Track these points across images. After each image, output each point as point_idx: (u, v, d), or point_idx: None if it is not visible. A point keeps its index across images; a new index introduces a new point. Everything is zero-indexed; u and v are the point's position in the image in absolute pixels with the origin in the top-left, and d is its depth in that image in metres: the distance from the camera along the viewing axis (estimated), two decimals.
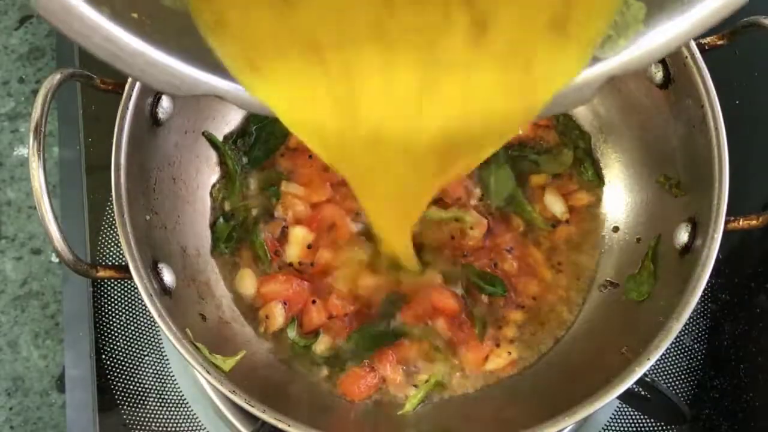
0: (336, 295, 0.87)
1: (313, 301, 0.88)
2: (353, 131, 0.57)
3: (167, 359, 0.97)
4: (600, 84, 0.58)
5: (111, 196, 0.76)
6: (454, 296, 0.87)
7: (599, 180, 0.94)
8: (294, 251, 0.90)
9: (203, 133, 0.91)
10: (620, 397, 0.76)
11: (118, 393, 0.94)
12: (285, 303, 0.88)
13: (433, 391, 0.85)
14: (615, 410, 0.95)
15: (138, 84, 0.79)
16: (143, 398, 0.95)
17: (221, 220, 0.91)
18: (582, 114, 0.95)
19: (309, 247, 0.90)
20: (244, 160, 0.93)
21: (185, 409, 0.95)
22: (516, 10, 0.53)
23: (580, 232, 0.92)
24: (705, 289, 0.75)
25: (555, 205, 0.92)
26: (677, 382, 0.96)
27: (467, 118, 0.57)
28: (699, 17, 0.54)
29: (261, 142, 0.93)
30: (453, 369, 0.86)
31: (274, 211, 0.92)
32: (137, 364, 0.96)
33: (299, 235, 0.89)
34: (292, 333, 0.87)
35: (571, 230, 0.92)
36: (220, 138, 0.93)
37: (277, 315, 0.87)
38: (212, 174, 0.93)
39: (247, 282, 0.89)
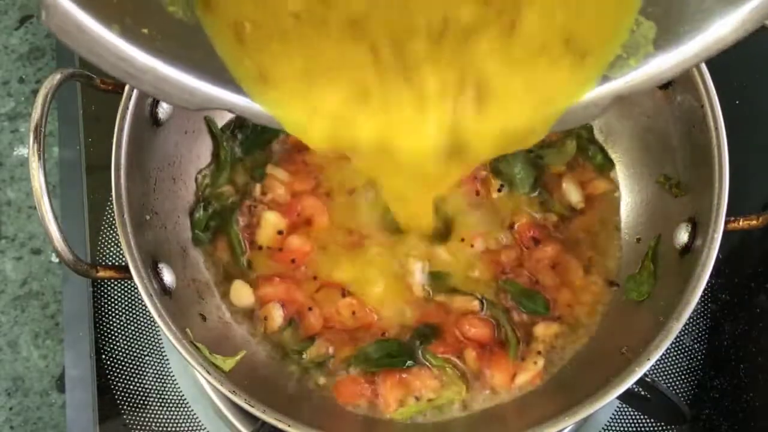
0: (339, 308, 0.87)
1: (309, 308, 0.87)
2: (369, 142, 0.58)
3: (167, 359, 0.96)
4: (608, 103, 0.57)
5: (111, 196, 0.76)
6: (487, 323, 0.86)
7: (609, 162, 0.93)
8: (265, 235, 0.89)
9: (205, 118, 0.91)
10: (620, 397, 0.76)
11: (118, 393, 0.94)
12: (283, 304, 0.88)
13: (434, 410, 0.84)
14: (615, 410, 0.95)
15: None
16: (143, 398, 0.95)
17: (201, 210, 0.89)
18: None
19: (280, 233, 0.89)
20: (238, 151, 0.93)
21: (185, 409, 0.95)
22: (530, 29, 0.53)
23: (597, 222, 0.91)
24: (705, 289, 0.75)
25: (572, 193, 0.92)
26: (677, 382, 0.96)
27: (480, 131, 0.57)
28: (709, 41, 0.54)
29: (257, 132, 0.93)
30: (476, 392, 0.85)
31: (254, 192, 0.91)
32: (137, 364, 0.96)
33: (271, 220, 0.89)
34: (287, 335, 0.87)
35: (587, 220, 0.91)
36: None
37: (276, 316, 0.87)
38: None
39: (242, 292, 0.88)
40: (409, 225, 0.82)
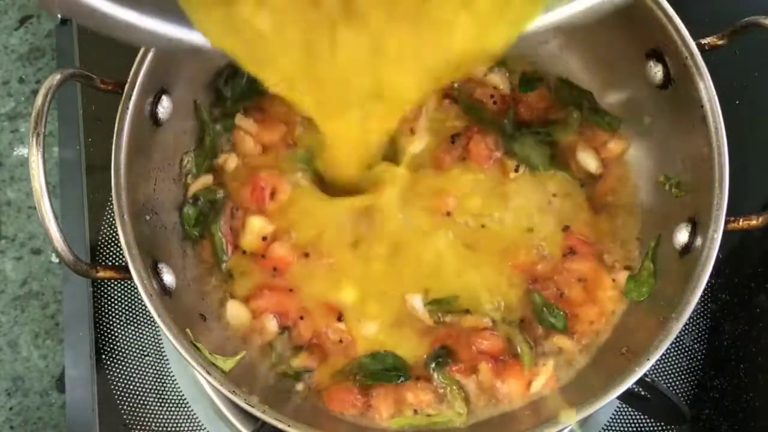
0: (329, 329, 0.85)
1: (301, 317, 0.85)
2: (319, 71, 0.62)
3: (167, 359, 0.96)
4: (549, 32, 0.66)
5: (111, 196, 0.76)
6: (498, 337, 0.84)
7: (616, 120, 0.91)
8: (249, 241, 0.87)
9: (195, 102, 0.88)
10: (620, 397, 0.76)
11: (118, 393, 0.94)
12: (276, 315, 0.85)
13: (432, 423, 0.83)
14: (615, 410, 0.95)
15: (138, 84, 0.79)
16: (143, 398, 0.95)
17: (190, 206, 0.87)
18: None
19: (264, 239, 0.87)
20: (220, 129, 0.90)
21: (185, 409, 0.95)
22: None
23: (617, 183, 0.90)
24: (705, 289, 0.75)
25: (589, 161, 0.90)
26: (677, 382, 0.96)
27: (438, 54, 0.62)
28: None
29: (249, 80, 0.89)
30: (488, 405, 0.83)
31: (223, 148, 0.89)
32: (137, 364, 0.96)
33: (256, 226, 0.87)
34: (278, 344, 0.84)
35: (608, 185, 0.90)
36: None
37: (270, 327, 0.84)
38: None
39: (237, 311, 0.85)
40: (347, 167, 0.80)
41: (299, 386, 0.84)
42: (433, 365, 0.84)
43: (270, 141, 0.90)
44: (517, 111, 0.92)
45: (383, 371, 0.84)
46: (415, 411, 0.82)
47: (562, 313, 0.85)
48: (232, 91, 0.90)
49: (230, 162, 0.89)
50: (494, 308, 0.86)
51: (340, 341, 0.85)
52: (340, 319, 0.85)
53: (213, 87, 0.90)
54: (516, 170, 0.91)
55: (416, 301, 0.85)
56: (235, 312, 0.85)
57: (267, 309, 0.85)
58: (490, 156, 0.91)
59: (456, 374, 0.83)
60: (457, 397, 0.82)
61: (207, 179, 0.89)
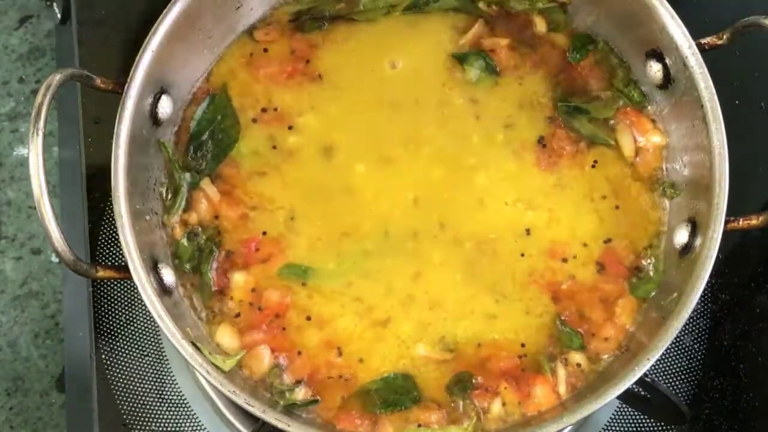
0: (329, 363, 0.82)
1: (299, 353, 0.81)
2: None
3: (167, 359, 0.96)
4: None
5: (111, 196, 0.76)
6: (514, 357, 0.82)
7: (644, 97, 0.89)
8: (238, 297, 0.83)
9: (158, 141, 0.85)
10: (620, 397, 0.76)
11: (118, 393, 0.94)
12: (271, 348, 0.81)
13: None
14: (615, 410, 0.95)
15: (138, 84, 0.79)
16: (143, 398, 0.95)
17: (185, 239, 0.84)
18: None
19: (253, 290, 0.83)
20: (201, 165, 0.87)
21: (185, 409, 0.95)
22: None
23: (646, 173, 0.88)
24: (705, 289, 0.75)
25: (626, 146, 0.88)
26: (677, 382, 0.96)
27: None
28: None
29: (214, 142, 0.88)
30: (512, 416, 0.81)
31: (177, 200, 0.85)
32: (137, 364, 0.96)
33: (240, 282, 0.83)
34: (273, 379, 0.80)
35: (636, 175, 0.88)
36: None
37: (263, 360, 0.81)
38: None
39: (227, 337, 0.81)
40: None
41: (308, 414, 0.80)
42: (455, 390, 0.81)
43: (225, 215, 0.85)
44: (566, 72, 0.91)
45: (395, 396, 0.80)
46: (420, 425, 0.80)
47: (579, 337, 0.83)
48: (212, 152, 0.88)
49: (192, 217, 0.85)
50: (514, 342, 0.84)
51: (340, 377, 0.81)
52: (339, 353, 0.82)
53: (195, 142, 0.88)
54: (593, 166, 0.88)
55: (420, 349, 0.82)
56: (226, 339, 0.82)
57: (262, 342, 0.82)
58: (576, 148, 0.88)
59: (477, 398, 0.81)
60: (470, 414, 0.80)
61: (194, 219, 0.85)
